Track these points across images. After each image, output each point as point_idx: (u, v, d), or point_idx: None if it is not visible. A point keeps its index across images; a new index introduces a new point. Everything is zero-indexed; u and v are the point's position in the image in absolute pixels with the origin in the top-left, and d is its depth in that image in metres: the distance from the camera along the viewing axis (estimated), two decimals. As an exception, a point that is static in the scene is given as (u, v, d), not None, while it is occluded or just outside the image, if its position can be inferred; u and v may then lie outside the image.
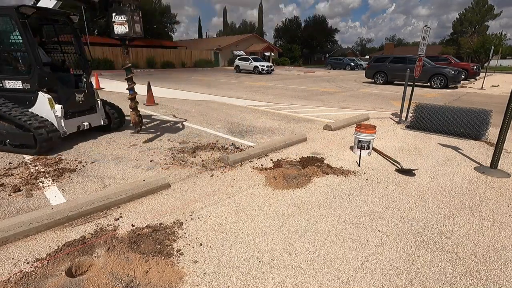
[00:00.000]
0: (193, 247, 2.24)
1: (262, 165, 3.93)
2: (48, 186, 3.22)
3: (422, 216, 2.72)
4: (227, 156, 3.95)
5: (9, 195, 2.99)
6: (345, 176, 3.59)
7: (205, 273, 1.98)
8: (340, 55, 56.35)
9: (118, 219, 2.61)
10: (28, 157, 4.08)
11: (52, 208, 2.51)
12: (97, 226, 2.50)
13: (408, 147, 4.78)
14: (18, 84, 4.34)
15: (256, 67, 25.98)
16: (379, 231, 2.48)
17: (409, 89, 6.48)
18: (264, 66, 25.98)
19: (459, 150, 4.61)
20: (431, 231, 2.48)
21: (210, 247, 2.25)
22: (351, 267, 2.06)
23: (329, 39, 65.32)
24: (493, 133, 5.15)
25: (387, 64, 16.14)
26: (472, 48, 43.45)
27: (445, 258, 2.16)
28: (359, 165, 3.95)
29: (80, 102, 4.76)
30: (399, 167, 3.86)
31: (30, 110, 4.29)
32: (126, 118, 5.66)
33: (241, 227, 2.53)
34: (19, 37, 4.10)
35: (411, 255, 2.18)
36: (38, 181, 3.32)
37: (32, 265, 2.03)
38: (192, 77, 20.73)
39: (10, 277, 1.92)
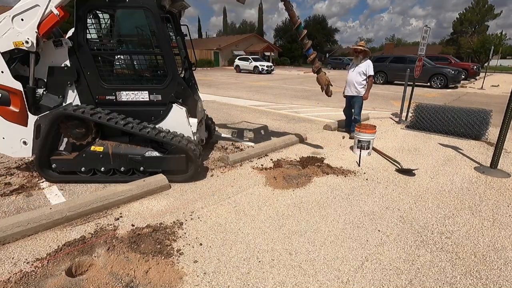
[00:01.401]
0: (193, 247, 2.24)
1: (262, 165, 3.93)
2: (49, 186, 3.22)
3: (422, 216, 2.72)
4: (227, 156, 3.95)
5: (9, 195, 2.99)
6: (345, 176, 3.59)
7: (205, 273, 1.98)
8: (340, 54, 56.33)
9: (118, 219, 2.61)
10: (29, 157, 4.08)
11: (50, 208, 2.51)
12: (97, 226, 2.50)
13: (408, 147, 4.78)
14: (142, 96, 3.38)
15: (256, 67, 25.99)
16: (379, 231, 2.48)
17: (409, 89, 6.48)
18: (264, 66, 26.00)
19: (459, 150, 4.61)
20: (431, 231, 2.48)
21: (210, 247, 2.25)
22: (351, 267, 2.06)
23: (329, 39, 65.29)
24: (493, 133, 5.15)
25: (387, 64, 16.14)
26: (472, 48, 43.46)
27: (445, 258, 2.16)
28: (359, 165, 3.95)
29: (201, 112, 3.91)
30: (399, 167, 3.86)
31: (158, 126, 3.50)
32: None
33: (241, 227, 2.53)
34: (148, 37, 3.44)
35: (411, 255, 2.18)
36: (38, 181, 3.32)
37: (32, 264, 2.03)
38: (192, 77, 20.69)
39: (10, 277, 1.92)
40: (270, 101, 9.52)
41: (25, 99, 3.06)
